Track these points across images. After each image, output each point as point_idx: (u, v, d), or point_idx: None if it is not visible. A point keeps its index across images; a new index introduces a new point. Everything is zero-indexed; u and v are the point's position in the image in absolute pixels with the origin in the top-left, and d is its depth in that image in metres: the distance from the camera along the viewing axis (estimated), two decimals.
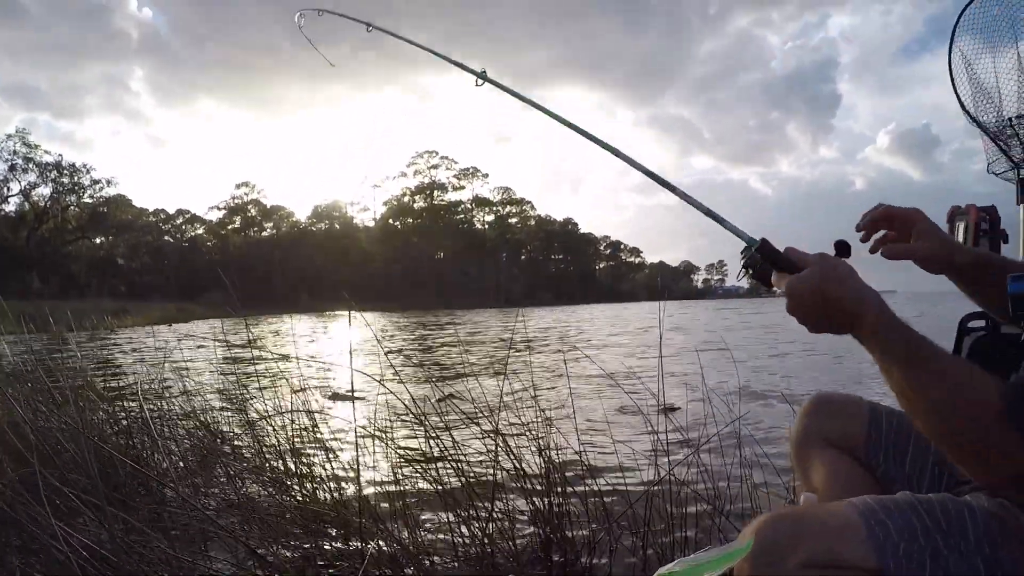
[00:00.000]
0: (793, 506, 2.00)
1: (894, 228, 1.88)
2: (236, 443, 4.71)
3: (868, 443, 2.03)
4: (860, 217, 1.88)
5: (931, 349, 1.39)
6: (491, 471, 3.46)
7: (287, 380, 4.76)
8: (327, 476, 3.77)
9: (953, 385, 1.35)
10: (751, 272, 1.63)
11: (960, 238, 2.52)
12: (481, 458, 3.60)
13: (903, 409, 1.44)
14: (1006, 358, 1.53)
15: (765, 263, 1.60)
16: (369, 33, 2.92)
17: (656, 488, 3.43)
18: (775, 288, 1.58)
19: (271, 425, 4.30)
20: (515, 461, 3.47)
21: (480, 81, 2.44)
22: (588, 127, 2.11)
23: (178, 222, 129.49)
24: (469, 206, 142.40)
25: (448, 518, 3.33)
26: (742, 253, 1.64)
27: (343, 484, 3.68)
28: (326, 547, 3.09)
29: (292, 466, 3.93)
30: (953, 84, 3.34)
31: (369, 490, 3.67)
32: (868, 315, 1.43)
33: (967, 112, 3.36)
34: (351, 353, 3.60)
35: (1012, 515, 1.45)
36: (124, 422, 4.79)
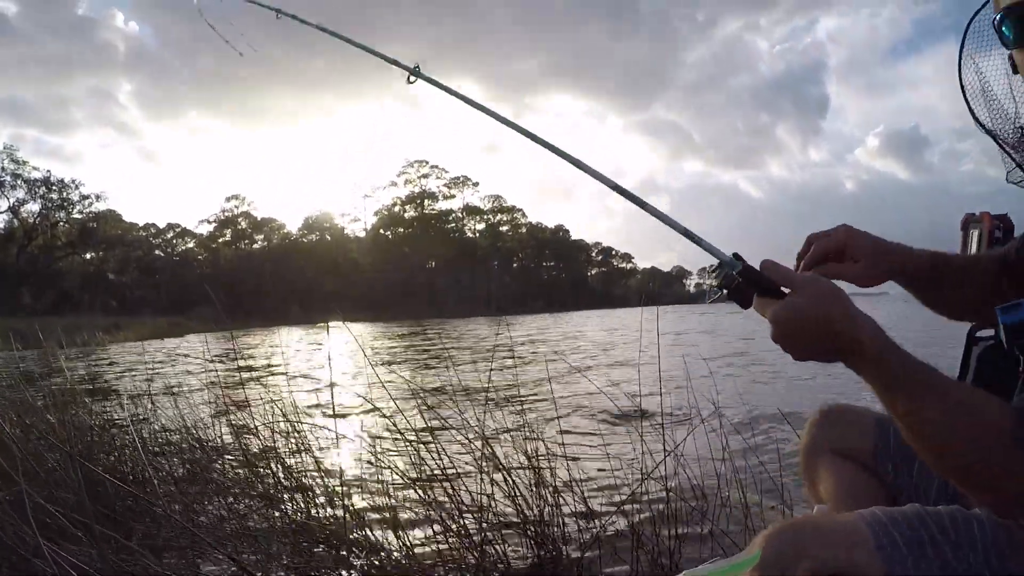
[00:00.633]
0: (802, 517, 2.00)
1: (831, 256, 1.82)
2: (227, 457, 4.70)
3: (876, 453, 2.04)
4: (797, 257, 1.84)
5: (929, 371, 1.35)
6: (480, 480, 3.46)
7: (277, 396, 4.76)
8: (317, 489, 3.76)
9: (954, 405, 1.31)
10: (727, 293, 1.51)
11: (974, 245, 2.52)
12: (470, 468, 3.60)
13: (903, 435, 1.39)
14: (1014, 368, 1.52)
15: (746, 284, 1.48)
16: (279, 20, 2.68)
17: (642, 492, 3.43)
18: (755, 310, 1.47)
19: (260, 440, 4.30)
20: (504, 471, 3.47)
21: (412, 78, 2.19)
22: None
23: (168, 236, 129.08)
24: (460, 215, 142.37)
25: (437, 528, 3.33)
26: (715, 272, 1.52)
27: (333, 497, 3.67)
28: (316, 561, 3.08)
29: (282, 480, 3.92)
30: (963, 89, 3.32)
31: (359, 502, 3.66)
32: (863, 340, 1.35)
33: (980, 124, 3.34)
34: (330, 367, 3.60)
35: (1020, 526, 1.45)
36: (114, 440, 4.79)
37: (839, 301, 1.38)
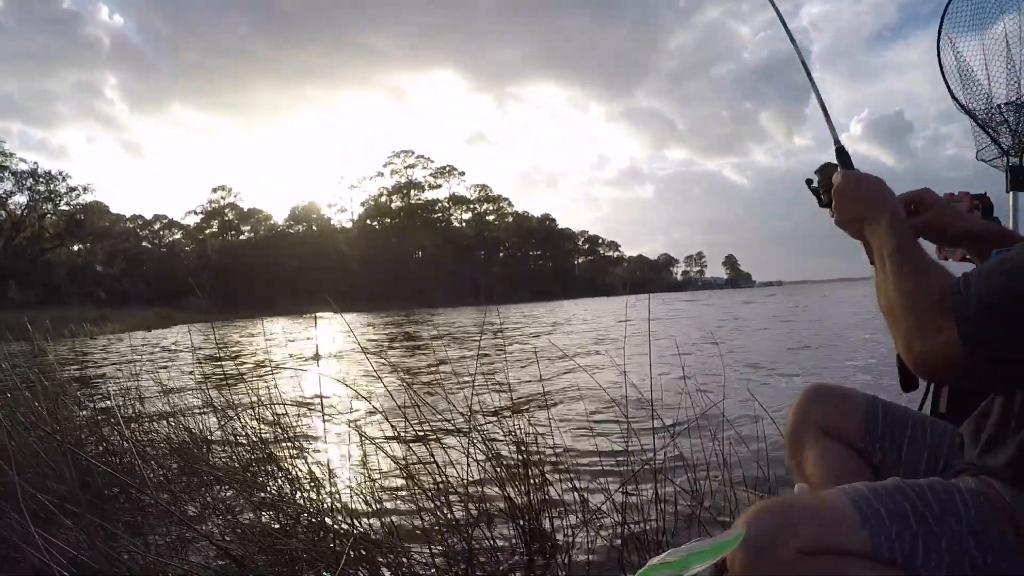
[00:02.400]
0: (785, 495, 2.05)
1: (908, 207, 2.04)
2: (214, 445, 4.71)
3: (865, 432, 2.07)
4: None
5: (914, 245, 1.61)
6: (468, 466, 3.47)
7: (263, 385, 4.77)
8: (304, 478, 3.78)
9: (917, 265, 1.55)
10: (822, 179, 2.00)
11: None
12: (458, 455, 3.62)
13: (876, 293, 1.63)
14: None
15: (838, 157, 1.98)
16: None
17: (630, 476, 3.45)
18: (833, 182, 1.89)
19: (247, 429, 4.31)
20: (492, 457, 3.49)
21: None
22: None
23: (155, 227, 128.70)
24: (446, 204, 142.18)
25: (425, 517, 3.34)
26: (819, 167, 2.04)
27: (320, 486, 3.69)
28: (303, 550, 3.10)
29: (269, 469, 3.94)
30: (941, 70, 3.35)
31: (346, 491, 3.68)
32: (884, 210, 1.70)
33: (956, 100, 3.37)
34: (318, 356, 3.62)
35: (995, 492, 1.51)
36: (103, 429, 4.80)
37: (882, 184, 1.79)
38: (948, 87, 3.39)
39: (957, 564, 1.44)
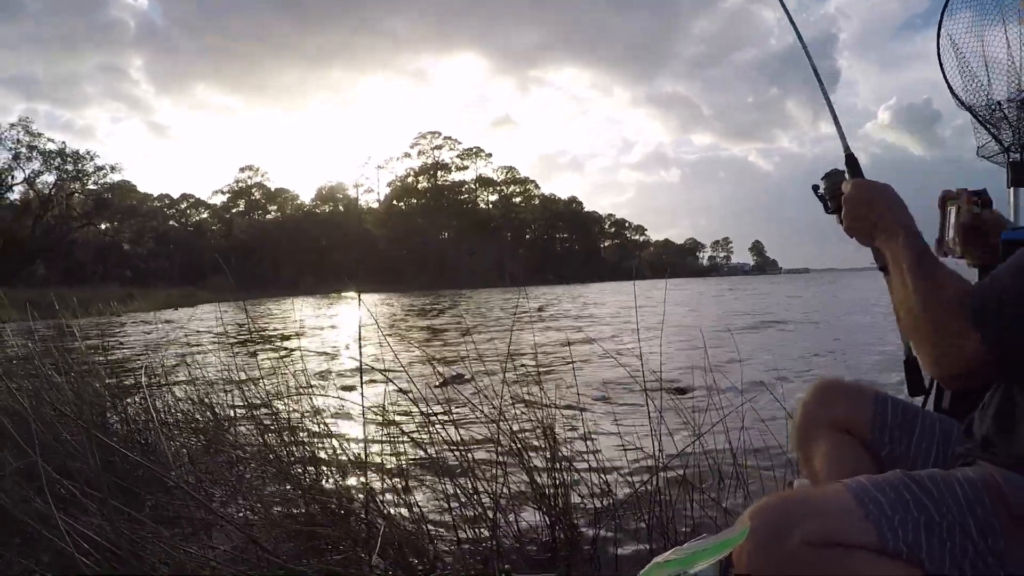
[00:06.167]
0: (788, 490, 2.05)
1: None
2: (240, 428, 4.70)
3: (873, 426, 2.06)
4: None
5: (932, 259, 1.66)
6: (495, 454, 3.44)
7: (290, 366, 4.75)
8: (330, 462, 3.75)
9: (932, 277, 1.61)
10: (829, 186, 2.07)
11: (952, 222, 2.52)
12: (484, 441, 3.58)
13: (893, 305, 1.72)
14: None
15: (847, 165, 2.11)
16: None
17: (659, 473, 3.41)
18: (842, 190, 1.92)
19: (273, 411, 4.28)
20: (520, 445, 3.45)
21: None
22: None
23: (182, 207, 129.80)
24: (473, 186, 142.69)
25: (451, 503, 3.31)
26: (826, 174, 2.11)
27: (346, 470, 3.66)
28: (327, 535, 3.07)
29: (295, 452, 3.91)
30: (941, 66, 3.30)
31: (372, 476, 3.65)
32: (897, 225, 1.73)
33: (956, 96, 3.32)
34: (359, 340, 3.57)
35: (992, 477, 1.56)
36: (128, 410, 4.79)
37: (893, 194, 1.81)
38: (948, 83, 3.34)
39: (959, 549, 1.48)
